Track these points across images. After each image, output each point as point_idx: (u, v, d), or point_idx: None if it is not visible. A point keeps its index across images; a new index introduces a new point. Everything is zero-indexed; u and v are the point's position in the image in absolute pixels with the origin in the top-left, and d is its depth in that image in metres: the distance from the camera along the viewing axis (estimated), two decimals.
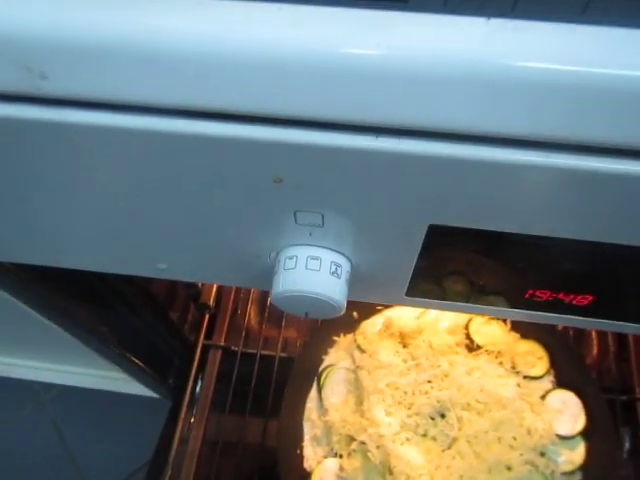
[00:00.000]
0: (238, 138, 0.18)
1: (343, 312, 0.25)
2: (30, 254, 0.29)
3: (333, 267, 0.23)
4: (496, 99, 0.16)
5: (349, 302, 0.70)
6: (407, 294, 0.26)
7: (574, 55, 0.15)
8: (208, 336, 0.68)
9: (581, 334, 0.70)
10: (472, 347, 0.60)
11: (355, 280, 0.25)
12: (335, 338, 0.62)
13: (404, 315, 0.61)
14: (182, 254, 0.26)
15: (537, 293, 0.25)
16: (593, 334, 0.72)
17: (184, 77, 0.16)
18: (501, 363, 0.58)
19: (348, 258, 0.23)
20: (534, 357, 0.60)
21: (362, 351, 0.60)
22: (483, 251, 0.23)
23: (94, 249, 0.27)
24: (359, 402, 0.57)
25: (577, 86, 0.15)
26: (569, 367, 0.60)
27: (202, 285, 0.63)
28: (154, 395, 0.75)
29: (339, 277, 0.23)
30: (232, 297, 0.70)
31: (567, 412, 0.57)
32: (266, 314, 0.70)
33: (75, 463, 0.92)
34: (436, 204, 0.19)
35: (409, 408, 0.55)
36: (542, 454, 0.54)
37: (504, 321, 0.62)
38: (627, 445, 0.62)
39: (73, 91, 0.17)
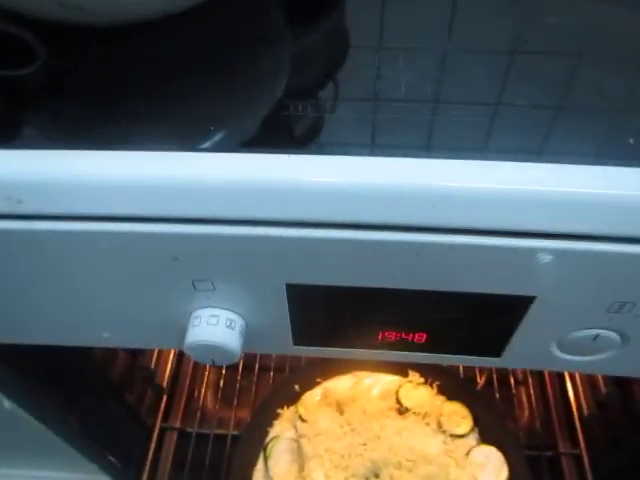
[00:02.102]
0: (145, 232, 0.27)
1: (239, 358, 0.33)
2: None
3: (228, 322, 0.31)
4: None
5: (291, 377, 0.76)
6: (295, 344, 0.35)
7: None
8: (165, 419, 0.73)
9: (510, 398, 0.77)
10: (402, 410, 0.66)
11: (250, 333, 0.33)
12: (279, 411, 0.68)
13: (340, 386, 0.68)
14: (120, 323, 0.34)
15: (386, 334, 0.34)
16: (524, 398, 0.79)
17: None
18: (428, 423, 0.65)
19: (241, 315, 0.32)
20: (459, 417, 0.66)
21: (303, 421, 0.66)
22: (340, 303, 0.31)
23: (46, 323, 0.35)
24: (301, 469, 0.62)
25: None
26: (491, 425, 0.67)
27: (156, 367, 0.69)
28: None
29: (233, 329, 0.31)
30: (188, 379, 0.76)
31: (490, 466, 0.63)
32: (219, 395, 0.76)
33: None
34: (289, 269, 0.28)
35: (346, 470, 0.61)
36: None
37: (431, 385, 0.69)
38: None
39: (38, 210, 0.26)
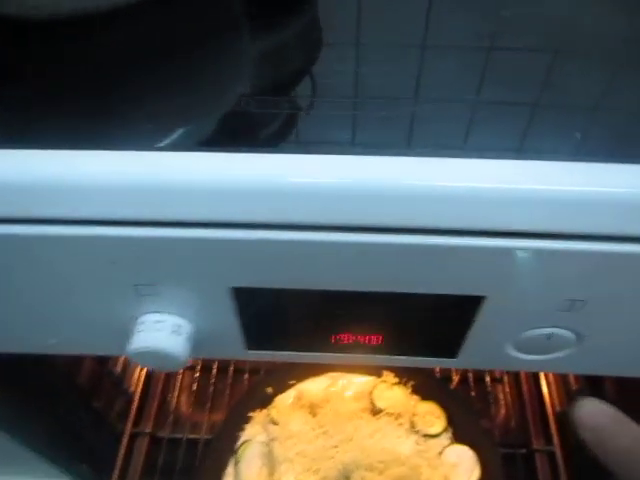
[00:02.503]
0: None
1: (185, 364, 0.32)
2: None
3: (174, 327, 0.30)
4: None
5: (264, 379, 0.75)
6: (248, 348, 0.34)
7: None
8: (136, 424, 0.71)
9: (486, 395, 0.77)
10: (375, 411, 0.66)
11: (201, 338, 0.32)
12: (251, 414, 0.67)
13: (314, 387, 0.68)
14: (67, 329, 0.33)
15: (340, 337, 0.33)
16: (500, 395, 0.79)
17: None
18: (401, 424, 0.64)
19: (189, 320, 0.31)
20: (433, 417, 0.66)
21: (275, 424, 0.65)
22: (290, 305, 0.31)
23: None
24: (272, 473, 0.61)
25: None
26: (466, 424, 0.66)
27: (125, 372, 0.68)
28: None
29: (180, 335, 0.30)
30: (161, 383, 0.75)
31: (462, 466, 0.62)
32: (193, 399, 0.75)
33: None
34: (235, 272, 0.28)
35: (317, 473, 0.60)
36: None
37: (405, 385, 0.69)
38: None
39: None
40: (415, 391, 0.68)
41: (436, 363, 0.35)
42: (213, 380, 0.75)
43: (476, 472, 0.62)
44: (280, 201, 0.24)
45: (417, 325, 0.32)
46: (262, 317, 0.31)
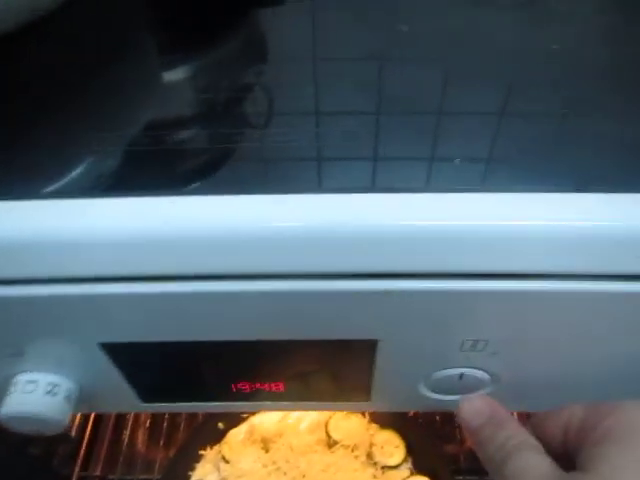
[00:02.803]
0: None
1: (66, 426, 0.29)
2: None
3: (49, 387, 0.28)
4: None
5: (215, 414, 0.72)
6: (144, 401, 0.31)
7: None
8: (85, 467, 0.68)
9: (451, 419, 0.74)
10: (331, 443, 0.63)
11: (88, 394, 0.30)
12: (202, 452, 0.64)
13: (266, 420, 0.65)
14: None
15: (239, 386, 0.30)
16: None
17: None
18: (357, 456, 0.61)
19: (68, 377, 0.28)
20: (391, 446, 0.63)
21: (226, 461, 0.62)
22: (172, 359, 0.28)
23: None
24: None
25: None
26: (426, 452, 0.63)
27: None
28: None
29: (55, 395, 0.28)
30: (111, 422, 0.72)
31: None
32: (146, 437, 0.72)
33: None
34: (100, 327, 0.25)
35: None
36: None
37: (363, 414, 0.66)
38: None
39: None
40: (373, 419, 0.65)
41: (350, 407, 0.33)
42: (166, 415, 0.72)
43: None
44: (136, 252, 0.22)
45: (318, 370, 0.29)
46: (146, 370, 0.29)
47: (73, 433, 0.65)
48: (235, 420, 0.65)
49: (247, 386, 0.30)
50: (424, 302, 0.23)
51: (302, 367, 0.29)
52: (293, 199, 0.22)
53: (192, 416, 0.72)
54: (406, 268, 0.22)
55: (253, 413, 0.66)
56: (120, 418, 0.72)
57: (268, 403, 0.32)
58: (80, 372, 0.28)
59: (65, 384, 0.28)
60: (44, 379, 0.28)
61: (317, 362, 0.28)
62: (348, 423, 0.64)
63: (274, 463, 0.60)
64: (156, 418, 0.73)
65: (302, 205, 0.22)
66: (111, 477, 0.67)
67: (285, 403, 0.32)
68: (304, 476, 0.59)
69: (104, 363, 0.27)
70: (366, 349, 0.26)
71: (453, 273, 0.22)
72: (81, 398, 0.29)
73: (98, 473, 0.67)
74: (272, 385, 0.30)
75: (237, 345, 0.27)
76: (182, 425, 0.71)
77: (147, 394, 0.31)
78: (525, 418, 0.30)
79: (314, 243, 0.21)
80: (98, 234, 0.21)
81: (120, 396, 0.31)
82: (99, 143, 0.25)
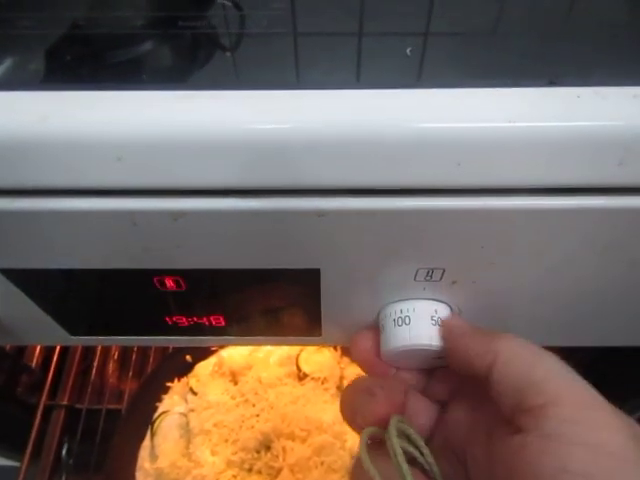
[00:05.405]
0: None
1: None
2: None
3: None
4: None
5: (184, 347, 0.69)
6: (71, 334, 0.28)
7: None
8: (52, 396, 0.67)
9: None
10: (301, 377, 0.62)
11: (12, 326, 0.27)
12: (169, 384, 0.63)
13: (235, 353, 0.63)
14: None
15: (175, 319, 0.27)
16: None
17: None
18: (326, 389, 0.60)
19: None
20: None
21: (194, 393, 0.61)
22: (91, 288, 0.25)
23: None
24: (188, 445, 0.57)
25: None
26: None
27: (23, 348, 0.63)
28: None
29: None
30: (78, 352, 0.70)
31: None
32: (115, 368, 0.70)
33: None
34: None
35: (235, 444, 0.56)
36: None
37: (335, 348, 0.65)
38: None
39: None
40: (345, 353, 0.64)
41: (302, 341, 0.30)
42: (135, 347, 0.70)
43: None
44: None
45: (262, 303, 0.26)
46: (63, 301, 0.26)
47: (34, 363, 0.63)
48: (203, 353, 0.64)
49: (183, 319, 0.27)
50: (362, 224, 0.20)
51: (242, 300, 0.26)
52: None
53: (163, 349, 0.70)
54: (338, 183, 0.19)
55: (222, 346, 0.64)
56: (88, 349, 0.71)
57: (211, 338, 0.29)
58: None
59: None
60: None
61: (259, 294, 0.25)
62: (319, 356, 0.63)
63: (242, 395, 0.59)
64: (126, 349, 0.72)
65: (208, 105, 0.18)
66: (79, 406, 0.67)
67: (230, 338, 0.29)
68: (272, 408, 0.58)
69: (14, 292, 0.24)
70: (309, 279, 0.23)
71: (394, 188, 0.19)
72: (8, 329, 0.27)
73: (65, 402, 0.67)
74: (212, 318, 0.27)
75: (159, 273, 0.24)
76: (151, 357, 0.70)
77: (73, 327, 0.28)
78: None
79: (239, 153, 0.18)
80: None
81: (46, 329, 0.28)
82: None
